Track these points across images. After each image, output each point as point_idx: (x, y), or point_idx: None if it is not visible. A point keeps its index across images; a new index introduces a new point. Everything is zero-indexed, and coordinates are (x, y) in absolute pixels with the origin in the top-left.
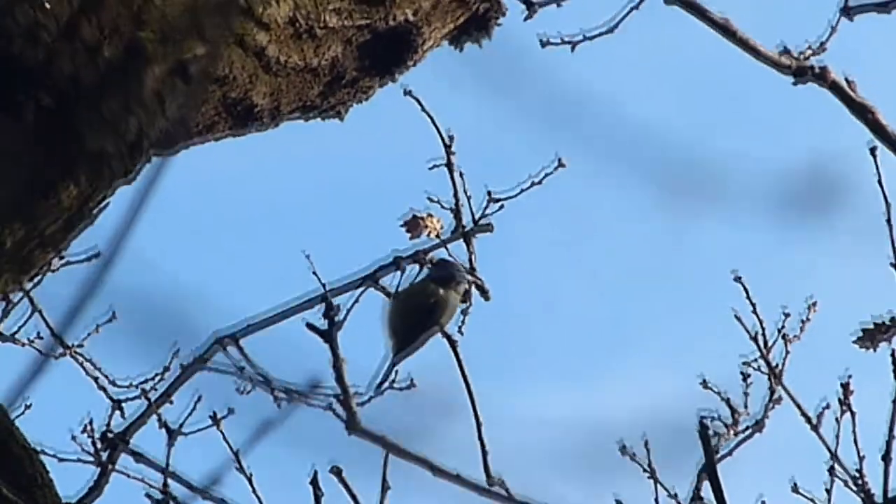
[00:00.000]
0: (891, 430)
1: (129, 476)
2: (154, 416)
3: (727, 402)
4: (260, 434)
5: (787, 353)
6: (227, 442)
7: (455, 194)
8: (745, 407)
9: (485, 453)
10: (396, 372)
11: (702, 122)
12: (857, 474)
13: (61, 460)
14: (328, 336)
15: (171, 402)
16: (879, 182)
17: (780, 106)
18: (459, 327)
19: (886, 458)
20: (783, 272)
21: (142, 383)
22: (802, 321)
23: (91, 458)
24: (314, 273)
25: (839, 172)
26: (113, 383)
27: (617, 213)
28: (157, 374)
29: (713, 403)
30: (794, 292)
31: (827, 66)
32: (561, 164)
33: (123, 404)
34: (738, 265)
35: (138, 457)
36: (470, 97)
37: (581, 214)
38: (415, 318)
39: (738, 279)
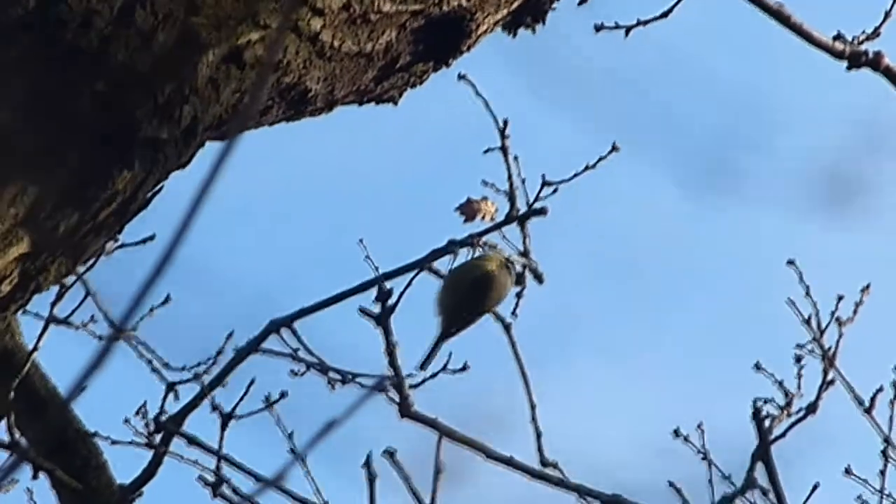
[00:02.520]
0: None
1: (181, 459)
2: (207, 400)
3: (780, 385)
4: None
5: (841, 336)
6: (280, 426)
7: (509, 179)
8: (799, 390)
9: (538, 436)
10: (450, 355)
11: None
12: None
13: (114, 443)
14: (381, 321)
15: (225, 386)
16: None
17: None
18: (513, 310)
19: None
20: (834, 259)
21: (195, 367)
22: (856, 305)
23: (144, 442)
24: (368, 258)
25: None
26: (166, 366)
27: (665, 202)
28: (210, 359)
29: (767, 387)
30: (846, 278)
31: (881, 51)
32: (615, 149)
33: (177, 388)
34: (789, 252)
35: (191, 441)
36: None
37: (629, 204)
38: (463, 291)
39: (791, 262)
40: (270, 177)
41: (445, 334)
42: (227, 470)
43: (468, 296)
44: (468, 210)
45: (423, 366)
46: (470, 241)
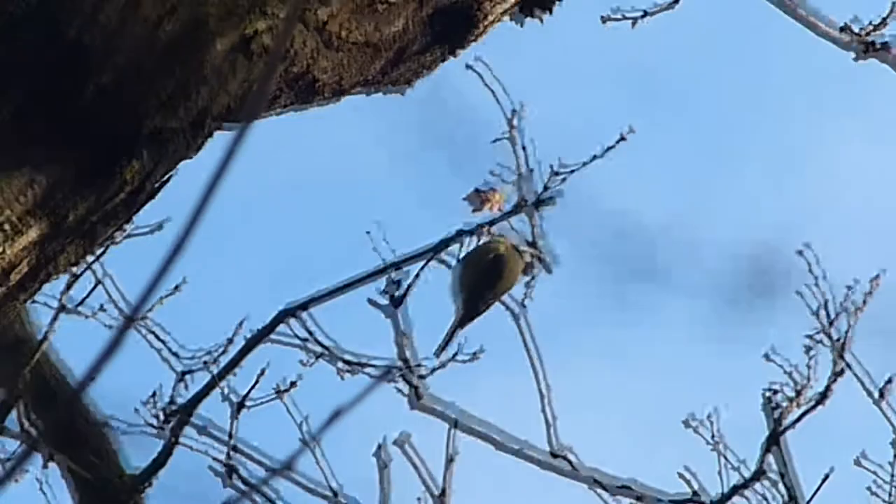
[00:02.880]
0: None
1: (193, 447)
2: (218, 389)
3: (790, 375)
4: (332, 421)
5: (851, 325)
6: (290, 414)
7: (518, 168)
8: (809, 380)
9: (549, 424)
10: (460, 344)
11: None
12: None
13: (125, 432)
14: (391, 310)
15: (236, 375)
16: None
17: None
18: (523, 298)
19: None
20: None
21: (206, 355)
22: (866, 294)
23: (155, 431)
24: (377, 248)
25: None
26: (177, 355)
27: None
28: (221, 346)
29: (777, 376)
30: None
31: (888, 41)
32: (622, 139)
33: (189, 376)
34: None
35: (202, 429)
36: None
37: None
38: (478, 273)
39: (800, 253)
40: (281, 165)
41: (463, 319)
42: (238, 459)
43: (486, 275)
44: (476, 200)
45: (439, 351)
46: (479, 230)
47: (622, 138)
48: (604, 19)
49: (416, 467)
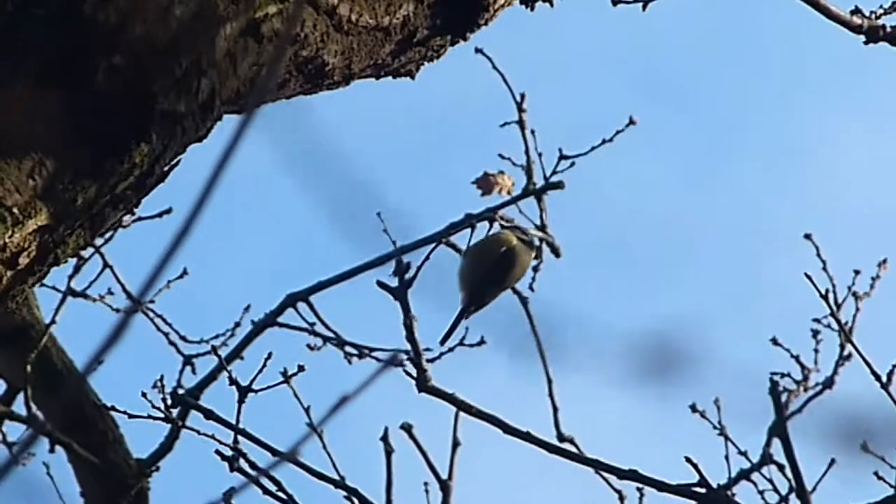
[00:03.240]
0: None
1: (199, 433)
2: (225, 374)
3: (797, 359)
4: (338, 406)
5: (858, 310)
6: (298, 399)
7: (527, 152)
8: (815, 364)
9: (555, 411)
10: (467, 329)
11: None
12: None
13: (131, 417)
14: (399, 295)
15: (242, 359)
16: None
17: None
18: (531, 284)
19: None
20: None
21: (212, 340)
22: (873, 279)
23: (162, 416)
24: (385, 231)
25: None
26: (184, 339)
27: None
28: (228, 331)
29: (784, 361)
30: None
31: None
32: (632, 122)
33: (194, 361)
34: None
35: (208, 415)
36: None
37: None
38: (485, 266)
39: (807, 237)
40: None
41: (468, 309)
42: (244, 444)
43: (493, 271)
44: (485, 184)
45: (445, 339)
46: (487, 214)
47: (631, 122)
48: (614, 2)
49: (422, 452)
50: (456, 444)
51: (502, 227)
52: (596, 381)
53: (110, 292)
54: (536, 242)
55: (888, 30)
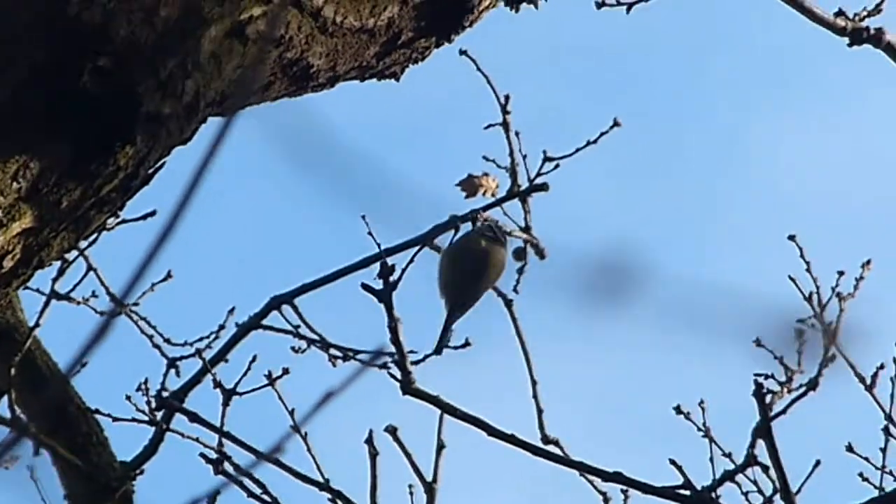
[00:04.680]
0: None
1: (183, 436)
2: (209, 376)
3: (781, 360)
4: (321, 404)
5: (842, 312)
6: (282, 402)
7: (511, 154)
8: (799, 366)
9: (540, 413)
10: (451, 331)
11: None
12: None
13: (116, 420)
14: (383, 296)
15: (227, 362)
16: None
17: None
18: (515, 286)
19: None
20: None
21: (197, 342)
22: (857, 280)
23: (146, 419)
24: (370, 234)
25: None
26: (168, 342)
27: None
28: (212, 334)
29: (767, 362)
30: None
31: (882, 27)
32: (616, 124)
33: (179, 364)
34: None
35: (193, 418)
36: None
37: None
38: (461, 270)
39: (791, 238)
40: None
41: (453, 314)
42: (229, 447)
43: (470, 272)
44: (469, 186)
45: (438, 348)
46: (472, 216)
47: (616, 124)
48: (598, 5)
49: (407, 454)
50: (441, 446)
51: (474, 229)
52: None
53: (94, 295)
54: (506, 236)
55: (872, 32)
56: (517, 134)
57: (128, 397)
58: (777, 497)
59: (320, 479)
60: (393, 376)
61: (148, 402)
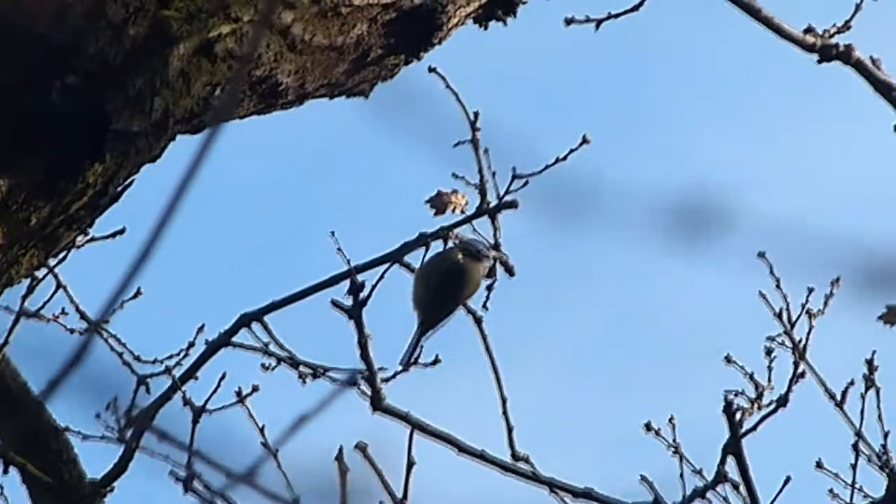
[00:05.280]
0: None
1: (153, 454)
2: (179, 394)
3: (751, 377)
4: (295, 428)
5: (811, 329)
6: (252, 419)
7: (480, 171)
8: (769, 382)
9: (510, 430)
10: (421, 348)
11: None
12: (882, 451)
13: (85, 438)
14: (353, 313)
15: (197, 379)
16: None
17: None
18: (484, 303)
19: None
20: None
21: (166, 359)
22: (826, 297)
23: (115, 437)
24: (339, 250)
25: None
26: (138, 359)
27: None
28: (181, 351)
29: (737, 379)
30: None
31: (851, 44)
32: (585, 141)
33: (148, 381)
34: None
35: (162, 435)
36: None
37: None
38: (438, 284)
39: (761, 255)
40: (241, 168)
41: (425, 328)
42: (198, 465)
43: (441, 291)
44: (439, 203)
45: (405, 362)
46: (441, 233)
47: (585, 141)
48: (567, 22)
49: (377, 472)
50: (411, 463)
51: (454, 245)
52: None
53: (64, 312)
54: (487, 254)
55: (841, 48)
56: (486, 151)
57: (97, 415)
58: None
59: (289, 498)
60: (363, 393)
61: (117, 420)
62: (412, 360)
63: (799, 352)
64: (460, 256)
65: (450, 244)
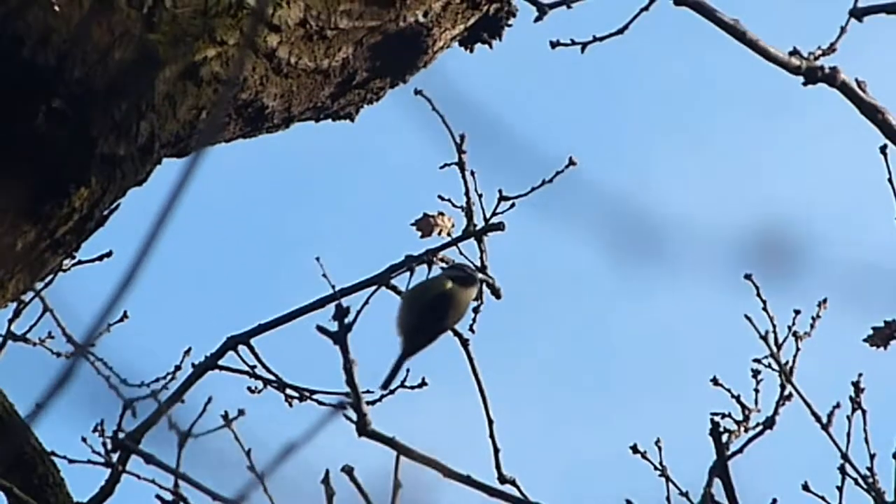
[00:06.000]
0: None
1: (139, 478)
2: (165, 418)
3: (738, 399)
4: (283, 456)
5: (798, 351)
6: (239, 443)
7: (466, 193)
8: (756, 404)
9: (497, 452)
10: (407, 371)
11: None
12: (869, 473)
13: (72, 462)
14: (339, 338)
15: (183, 402)
16: (890, 181)
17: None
18: (471, 326)
19: None
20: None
21: (153, 383)
22: (813, 319)
23: (102, 460)
24: (325, 275)
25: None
26: (124, 382)
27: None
28: (168, 374)
29: (724, 401)
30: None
31: (837, 67)
32: (572, 163)
33: (135, 404)
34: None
35: (149, 459)
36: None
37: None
38: (423, 311)
39: (748, 277)
40: (226, 191)
41: (407, 353)
42: (185, 488)
43: (428, 316)
44: (425, 225)
45: (386, 385)
46: (427, 256)
47: (571, 163)
48: (553, 45)
49: (363, 495)
50: (397, 486)
51: (441, 269)
52: (703, 283)
53: (51, 336)
54: (478, 277)
55: (826, 71)
56: (472, 173)
57: (83, 439)
58: None
59: None
60: (348, 418)
61: (104, 444)
62: (395, 382)
63: (785, 374)
64: (449, 284)
65: (437, 270)
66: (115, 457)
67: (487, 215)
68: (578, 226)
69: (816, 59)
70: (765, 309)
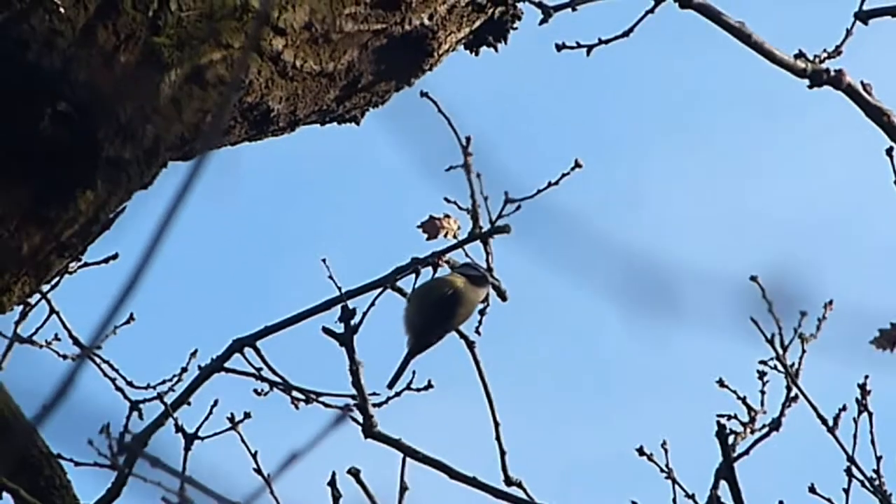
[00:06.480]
0: None
1: (145, 480)
2: (171, 420)
3: (744, 401)
4: (289, 462)
5: (804, 353)
6: (245, 445)
7: (472, 196)
8: (762, 406)
9: (503, 454)
10: (413, 373)
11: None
12: (875, 475)
13: (78, 464)
14: (345, 340)
15: (189, 405)
16: None
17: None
18: (477, 328)
19: None
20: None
21: (159, 385)
22: (819, 321)
23: (108, 463)
24: (331, 277)
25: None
26: (130, 385)
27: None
28: (174, 377)
29: (730, 403)
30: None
31: (842, 69)
32: (578, 165)
33: (141, 407)
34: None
35: (155, 461)
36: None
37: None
38: (433, 306)
39: (753, 278)
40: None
41: (414, 351)
42: (191, 491)
43: (437, 314)
44: (431, 227)
45: (392, 383)
46: (433, 258)
47: (577, 165)
48: (558, 47)
49: (370, 497)
50: (403, 488)
51: (451, 268)
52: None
53: (57, 338)
54: (486, 279)
55: (832, 73)
56: (478, 175)
57: (90, 441)
58: None
59: None
60: (355, 420)
61: (110, 446)
62: (401, 384)
63: (791, 376)
64: (460, 282)
65: (447, 269)
66: (121, 459)
67: (493, 217)
68: (575, 270)
69: (822, 61)
70: (770, 310)
